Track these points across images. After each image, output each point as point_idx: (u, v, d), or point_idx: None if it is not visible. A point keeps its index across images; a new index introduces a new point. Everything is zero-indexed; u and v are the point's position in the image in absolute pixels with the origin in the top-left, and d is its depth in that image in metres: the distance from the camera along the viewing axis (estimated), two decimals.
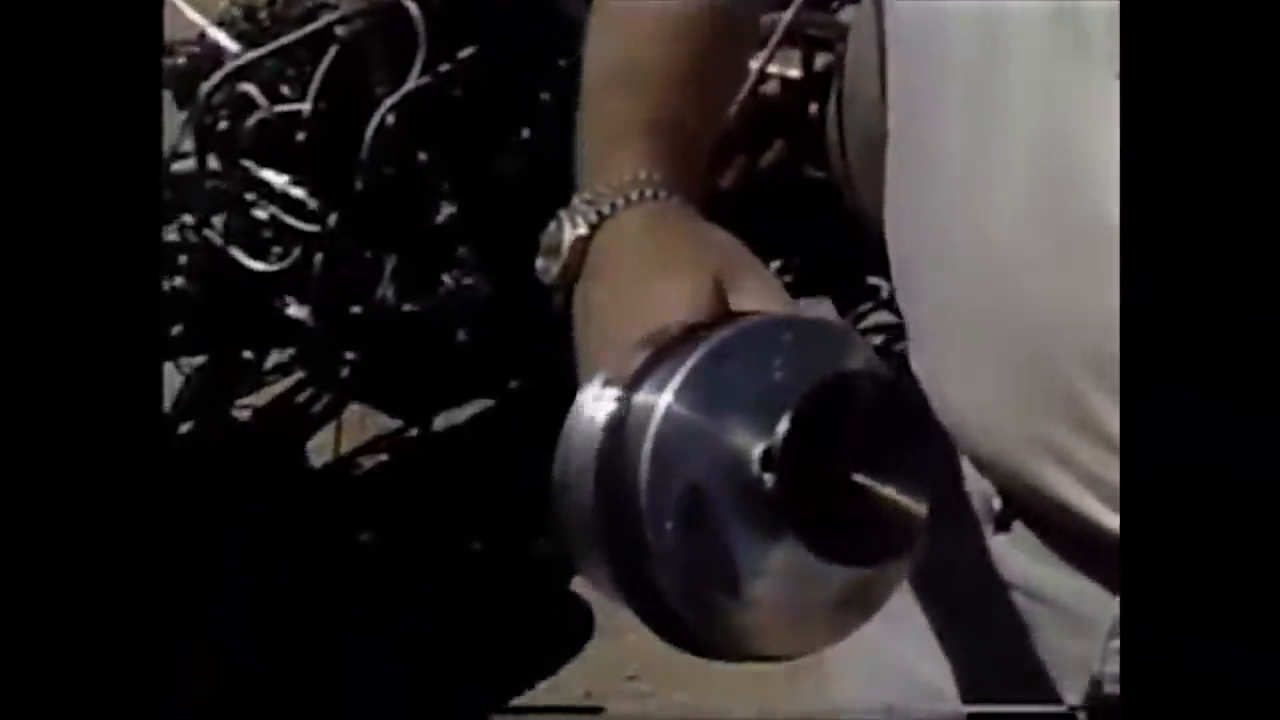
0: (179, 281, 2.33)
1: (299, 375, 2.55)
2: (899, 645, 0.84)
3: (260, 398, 2.53)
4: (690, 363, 0.63)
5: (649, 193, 0.73)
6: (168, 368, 2.32)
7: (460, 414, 2.69)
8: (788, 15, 2.36)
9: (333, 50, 2.34)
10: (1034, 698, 0.79)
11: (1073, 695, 0.78)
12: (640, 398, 0.63)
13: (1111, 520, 0.72)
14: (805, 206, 2.49)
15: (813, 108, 2.56)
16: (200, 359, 2.41)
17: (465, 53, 2.41)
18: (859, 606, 0.65)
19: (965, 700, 0.84)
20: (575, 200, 0.74)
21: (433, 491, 2.63)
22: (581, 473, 0.64)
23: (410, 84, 2.34)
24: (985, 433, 0.76)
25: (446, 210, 2.46)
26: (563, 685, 2.24)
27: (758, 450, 0.61)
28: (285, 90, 2.37)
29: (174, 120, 2.32)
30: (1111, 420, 0.70)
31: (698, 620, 0.63)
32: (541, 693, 2.22)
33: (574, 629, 2.27)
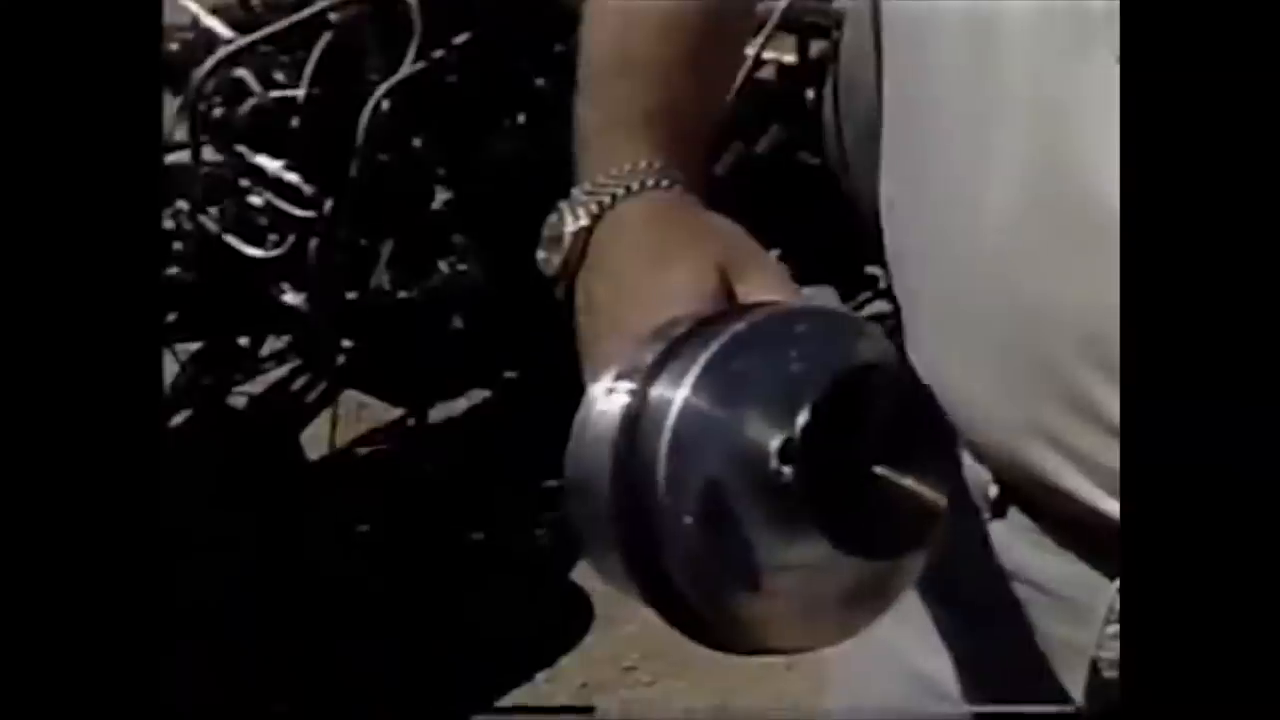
0: (174, 269, 2.32)
1: (295, 362, 2.54)
2: (898, 634, 0.83)
3: (256, 385, 2.53)
4: (706, 356, 0.62)
5: (650, 182, 0.72)
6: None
7: (457, 403, 2.69)
8: (783, 1, 2.36)
9: (327, 36, 2.33)
10: (1033, 686, 0.79)
11: (1071, 681, 0.78)
12: (656, 392, 0.62)
13: (1108, 504, 0.72)
14: (802, 193, 2.49)
15: (809, 94, 2.56)
16: (195, 346, 2.41)
17: (460, 38, 2.41)
18: (876, 599, 0.65)
19: (964, 691, 0.84)
20: (576, 191, 0.74)
21: (430, 481, 2.64)
22: (596, 468, 0.63)
23: (405, 70, 2.33)
24: (982, 419, 0.76)
25: (442, 197, 2.46)
26: (561, 676, 2.24)
27: (775, 443, 0.60)
28: (279, 76, 2.36)
29: (168, 107, 2.31)
30: (1108, 404, 0.69)
31: (716, 615, 0.63)
32: (540, 684, 2.22)
33: (572, 620, 2.27)
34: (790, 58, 2.54)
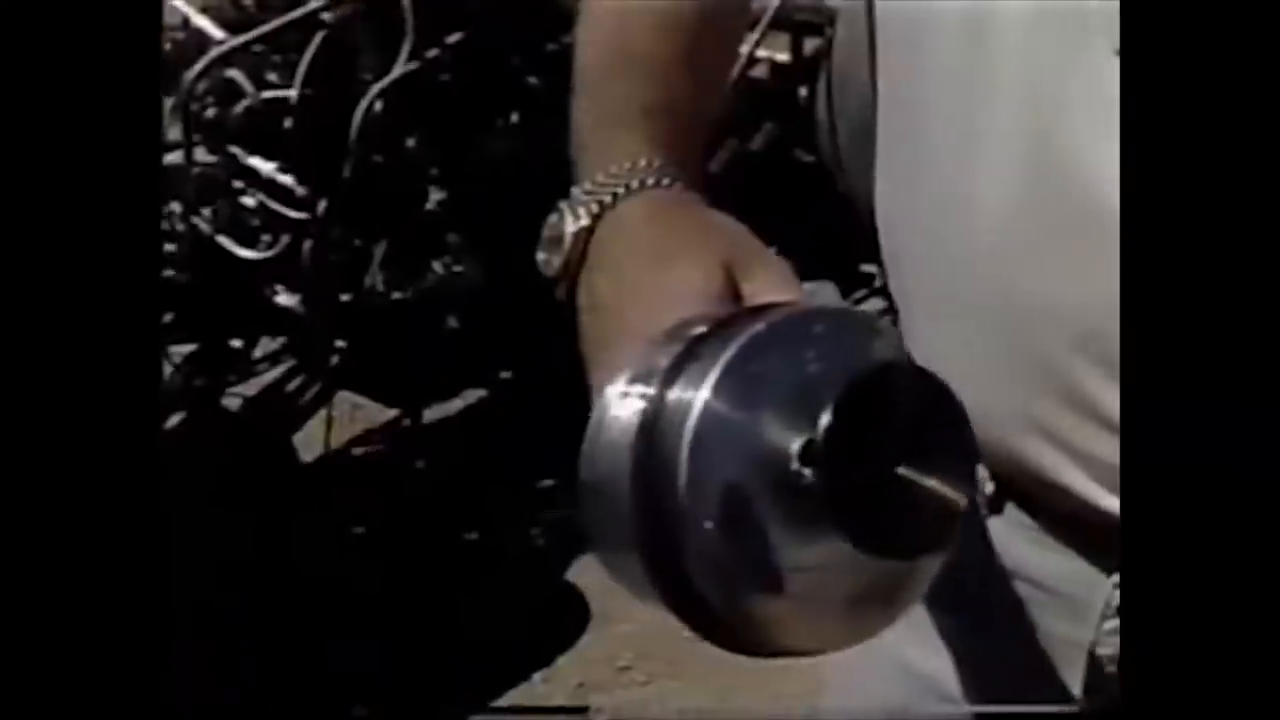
0: (167, 270, 2.32)
1: (289, 364, 2.54)
2: (895, 633, 0.83)
3: (250, 387, 2.52)
4: (725, 358, 0.62)
5: (651, 180, 0.72)
6: None
7: (451, 404, 2.69)
8: None
9: (319, 36, 2.33)
10: (1031, 684, 0.79)
11: (1070, 677, 0.78)
12: (674, 395, 0.62)
13: (1105, 499, 0.72)
14: (796, 190, 2.50)
15: (802, 91, 2.56)
16: (189, 348, 2.40)
17: (453, 38, 2.41)
18: (895, 600, 0.65)
19: (962, 689, 0.83)
20: (575, 190, 0.73)
21: (425, 482, 2.63)
22: (614, 471, 0.62)
23: (398, 70, 2.33)
24: (978, 415, 0.76)
25: (435, 197, 2.46)
26: (557, 676, 2.24)
27: (797, 445, 0.60)
28: (272, 77, 2.36)
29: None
30: (1104, 399, 0.69)
31: (736, 618, 0.62)
32: (536, 684, 2.22)
33: (568, 620, 2.27)
34: (784, 56, 2.55)
